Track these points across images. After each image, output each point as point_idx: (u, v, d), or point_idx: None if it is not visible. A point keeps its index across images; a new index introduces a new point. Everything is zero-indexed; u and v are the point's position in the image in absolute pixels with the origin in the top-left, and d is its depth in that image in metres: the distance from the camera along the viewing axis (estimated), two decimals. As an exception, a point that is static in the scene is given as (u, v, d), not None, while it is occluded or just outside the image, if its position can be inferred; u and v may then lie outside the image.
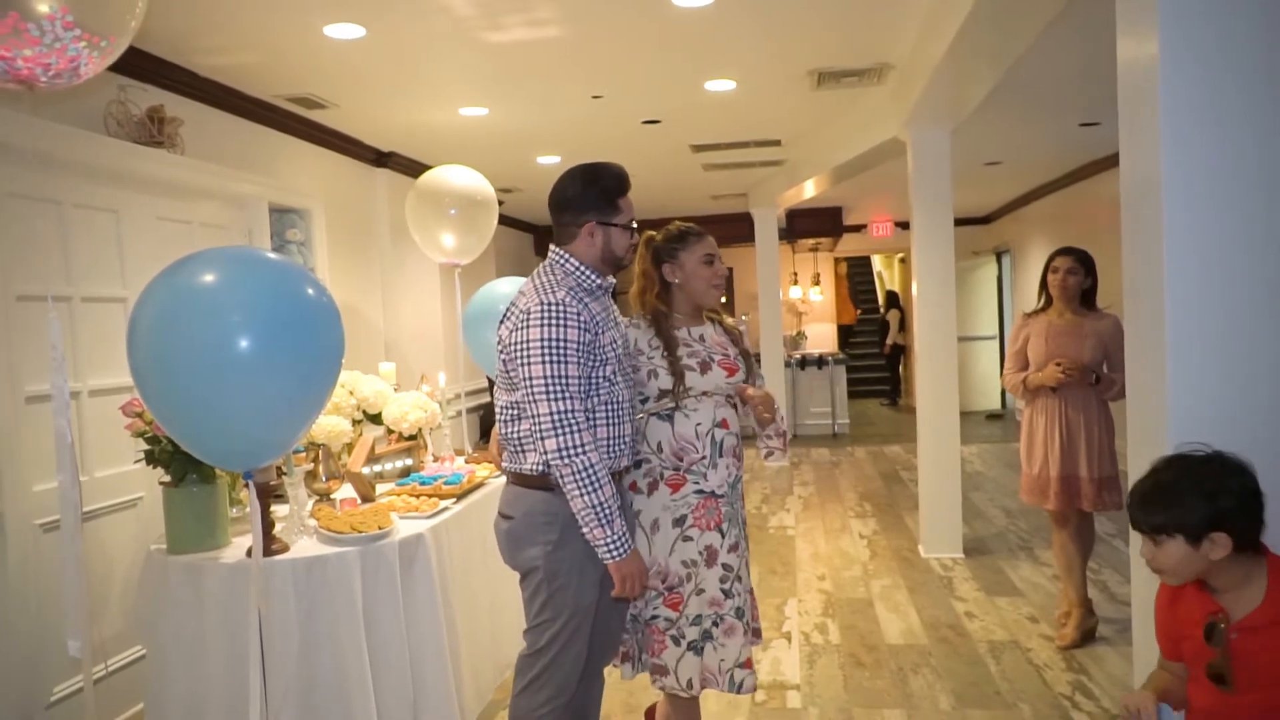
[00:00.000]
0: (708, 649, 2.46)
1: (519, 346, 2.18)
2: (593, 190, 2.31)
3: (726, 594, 2.47)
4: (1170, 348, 1.82)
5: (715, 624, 2.46)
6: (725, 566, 2.47)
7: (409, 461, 3.63)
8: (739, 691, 2.48)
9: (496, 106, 5.03)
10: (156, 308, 1.94)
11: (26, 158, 2.59)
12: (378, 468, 3.46)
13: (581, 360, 2.19)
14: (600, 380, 2.26)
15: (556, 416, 2.13)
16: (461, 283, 4.43)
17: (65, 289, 3.17)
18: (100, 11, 2.04)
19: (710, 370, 2.48)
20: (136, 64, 3.65)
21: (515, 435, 2.29)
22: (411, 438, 3.67)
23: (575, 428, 2.14)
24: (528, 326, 2.18)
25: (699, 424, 2.46)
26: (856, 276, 16.03)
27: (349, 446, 3.39)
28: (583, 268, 2.32)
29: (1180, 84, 1.77)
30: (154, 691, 2.59)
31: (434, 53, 4.04)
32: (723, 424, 2.50)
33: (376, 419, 3.57)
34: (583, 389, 2.20)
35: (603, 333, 2.26)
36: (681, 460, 2.46)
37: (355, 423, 3.48)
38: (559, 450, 2.13)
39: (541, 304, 2.18)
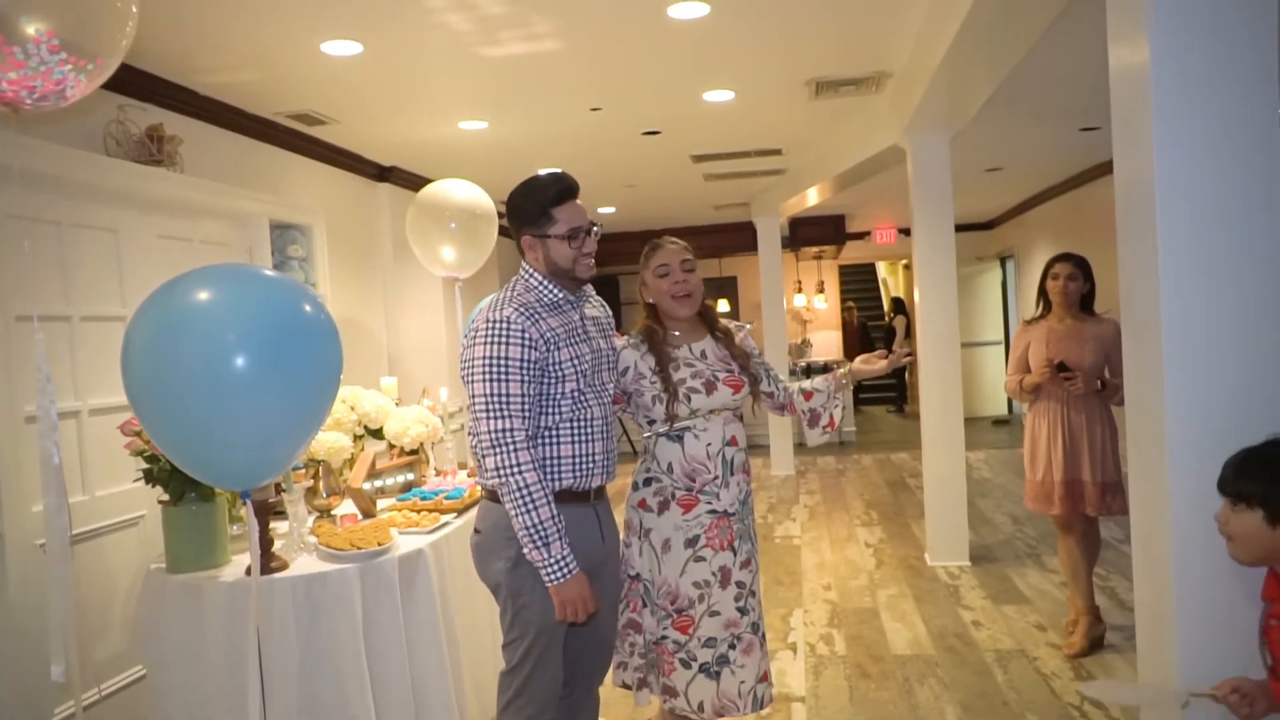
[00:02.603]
0: (725, 674, 2.41)
1: (466, 364, 2.19)
2: (526, 203, 2.28)
3: (742, 611, 2.44)
4: (1166, 352, 1.80)
5: (732, 645, 2.42)
6: (739, 584, 2.45)
7: (411, 476, 3.62)
8: (760, 706, 2.46)
9: (496, 120, 5.04)
10: (150, 327, 1.94)
11: (25, 179, 2.61)
12: (379, 483, 3.45)
13: (527, 379, 2.16)
14: (560, 397, 2.23)
15: (495, 435, 2.12)
16: (463, 296, 4.44)
17: (65, 309, 3.18)
18: (88, 34, 2.03)
19: (716, 390, 2.45)
20: (135, 83, 3.67)
21: (478, 451, 2.27)
22: (413, 452, 3.66)
23: (512, 446, 2.12)
24: (474, 344, 2.18)
25: (709, 444, 2.44)
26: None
27: (350, 462, 3.38)
28: (545, 282, 2.29)
29: (1172, 89, 1.76)
30: (155, 710, 2.59)
31: (432, 68, 4.06)
32: (732, 441, 2.48)
33: (378, 434, 3.57)
34: (532, 407, 2.19)
35: (559, 349, 2.22)
36: (694, 481, 2.43)
37: (357, 438, 3.48)
38: (496, 468, 2.12)
39: (488, 321, 2.18)
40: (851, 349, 13.54)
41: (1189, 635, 1.82)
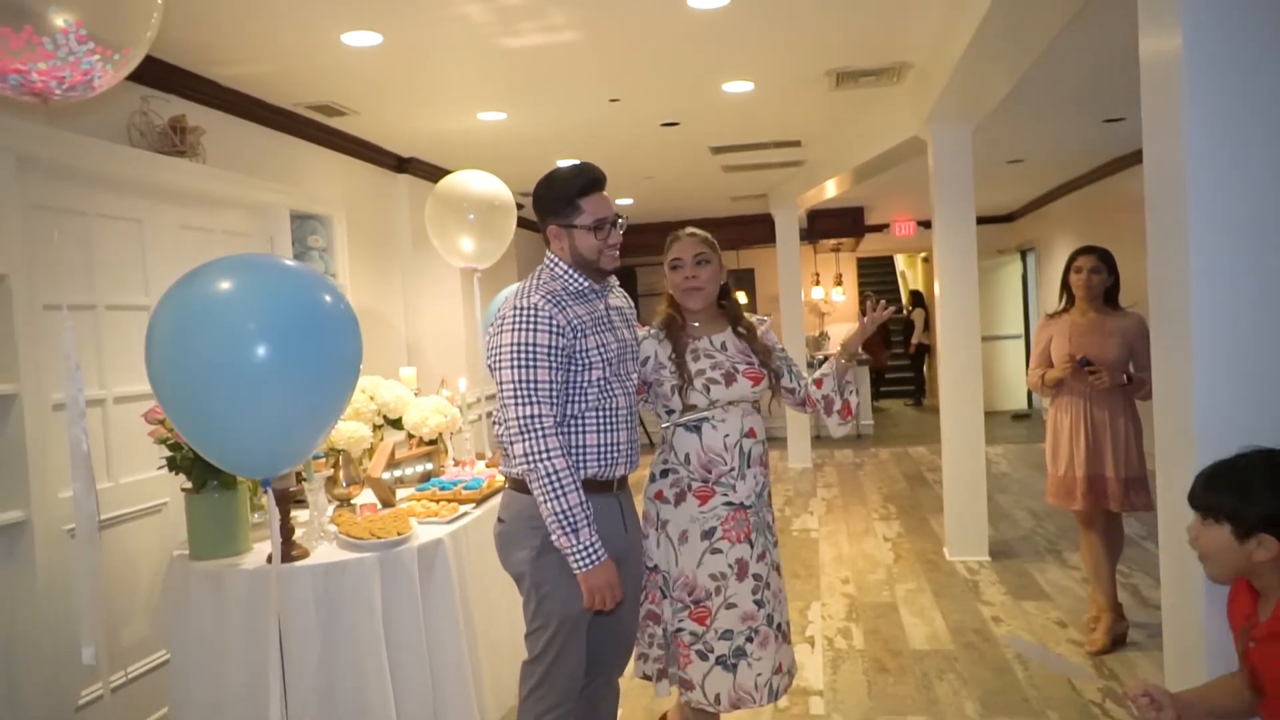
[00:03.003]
0: (741, 666, 2.41)
1: (493, 351, 2.20)
2: (551, 192, 2.29)
3: (759, 604, 2.44)
4: (1196, 347, 1.78)
5: (749, 639, 2.42)
6: (755, 576, 2.44)
7: (429, 466, 3.63)
8: (775, 697, 2.46)
9: (514, 111, 5.04)
10: (172, 316, 1.95)
11: (53, 170, 2.64)
12: (398, 473, 3.47)
13: (555, 365, 2.16)
14: (586, 385, 2.23)
15: (523, 421, 2.12)
16: (481, 287, 4.45)
17: (90, 298, 3.21)
18: (115, 25, 2.05)
19: (735, 381, 2.44)
20: (158, 74, 3.69)
21: (505, 438, 2.28)
22: (432, 442, 3.68)
23: (541, 433, 2.12)
24: (501, 331, 2.18)
25: (727, 435, 2.43)
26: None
27: (369, 452, 3.40)
28: (571, 271, 2.29)
29: (1204, 78, 1.73)
30: (177, 696, 2.61)
31: (451, 59, 4.06)
32: (750, 433, 2.47)
33: (397, 424, 3.59)
34: (559, 394, 2.18)
35: (585, 336, 2.22)
36: (710, 472, 2.43)
37: (376, 428, 3.50)
38: (525, 455, 2.12)
39: (515, 309, 2.18)
40: (872, 341, 13.23)
41: (1216, 634, 1.80)
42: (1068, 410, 3.68)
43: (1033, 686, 3.37)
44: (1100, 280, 3.66)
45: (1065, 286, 3.77)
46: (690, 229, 2.58)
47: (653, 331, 2.53)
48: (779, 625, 2.49)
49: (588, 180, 2.27)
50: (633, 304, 2.55)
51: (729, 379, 2.44)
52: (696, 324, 2.53)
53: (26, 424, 2.79)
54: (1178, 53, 1.75)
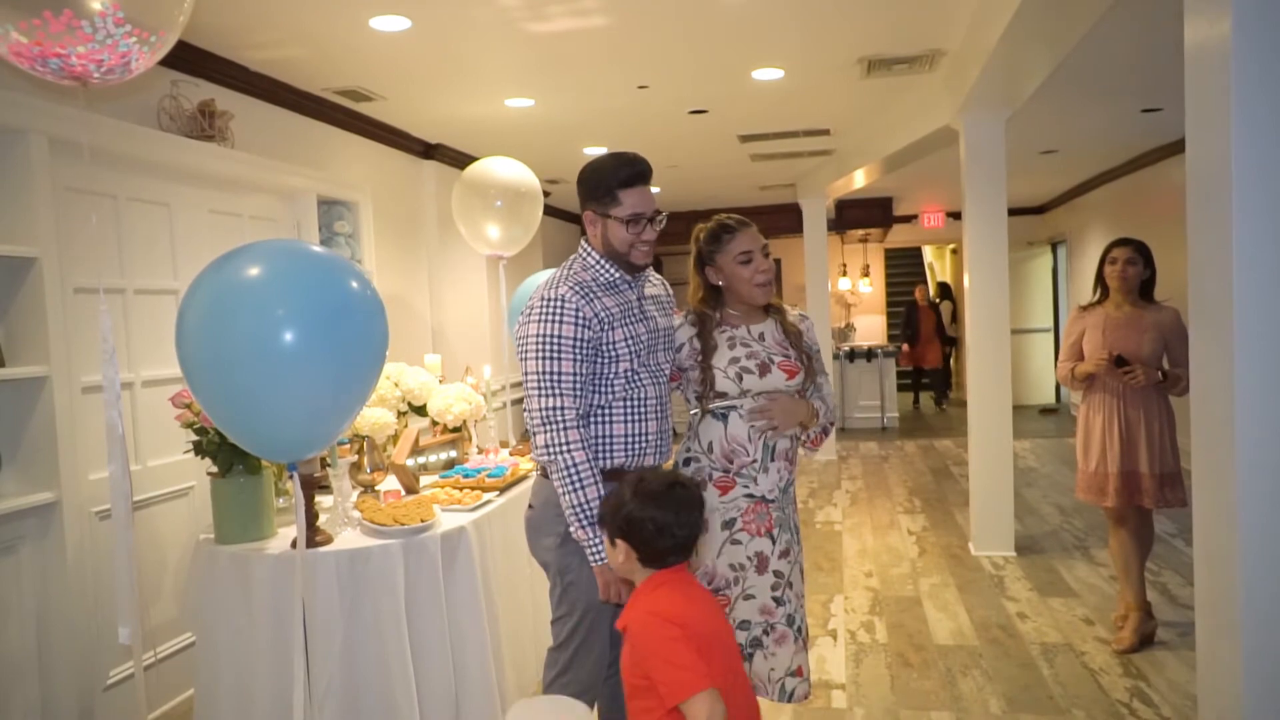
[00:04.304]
0: (757, 656, 2.41)
1: (521, 341, 2.20)
2: (593, 178, 2.26)
3: (778, 601, 2.41)
4: (1238, 345, 1.72)
5: (766, 632, 2.41)
6: (776, 574, 2.42)
7: (453, 454, 3.64)
8: (790, 700, 2.44)
9: (542, 97, 5.02)
10: (203, 301, 1.96)
11: (83, 153, 2.65)
12: (422, 460, 3.48)
13: (580, 358, 2.16)
14: (613, 377, 2.23)
15: (545, 413, 2.14)
16: (507, 274, 4.44)
17: (119, 281, 3.24)
18: (150, 8, 2.07)
19: (770, 373, 2.40)
20: (188, 59, 3.71)
21: (531, 427, 2.28)
22: (456, 430, 3.68)
23: (562, 425, 2.13)
24: (528, 322, 2.19)
25: (753, 425, 2.40)
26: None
27: (394, 438, 3.41)
28: (603, 260, 2.28)
29: (1254, 66, 1.67)
30: (204, 678, 2.64)
31: (479, 44, 4.04)
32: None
33: (421, 411, 3.59)
34: (584, 386, 2.18)
35: (613, 329, 2.21)
36: (731, 463, 2.40)
37: (400, 414, 3.50)
38: (545, 447, 2.14)
39: (543, 299, 2.18)
40: (926, 334, 12.41)
41: (1255, 636, 1.75)
42: (1100, 407, 3.62)
43: (1058, 684, 3.33)
44: (1136, 273, 3.59)
45: (1099, 279, 3.70)
46: (736, 217, 2.47)
47: (690, 318, 2.49)
48: (798, 627, 2.46)
49: (632, 172, 2.24)
50: (671, 291, 2.51)
51: (763, 369, 2.40)
52: (735, 313, 2.49)
53: (57, 406, 2.82)
54: (1226, 39, 1.69)
